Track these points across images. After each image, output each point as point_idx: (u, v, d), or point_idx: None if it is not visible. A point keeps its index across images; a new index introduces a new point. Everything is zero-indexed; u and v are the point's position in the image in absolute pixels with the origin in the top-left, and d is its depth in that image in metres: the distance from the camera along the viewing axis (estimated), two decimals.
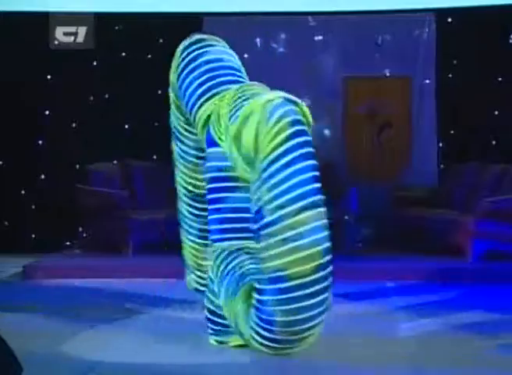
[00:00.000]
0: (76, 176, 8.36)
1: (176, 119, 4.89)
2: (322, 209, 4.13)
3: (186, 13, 8.72)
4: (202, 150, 4.72)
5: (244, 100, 4.42)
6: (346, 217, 8.02)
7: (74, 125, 8.84)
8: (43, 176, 8.81)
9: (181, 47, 4.91)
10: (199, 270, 4.92)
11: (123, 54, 8.88)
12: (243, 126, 4.25)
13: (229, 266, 4.40)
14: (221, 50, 4.88)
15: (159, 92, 8.88)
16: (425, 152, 8.89)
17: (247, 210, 4.38)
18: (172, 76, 4.89)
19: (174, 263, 7.20)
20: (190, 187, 4.85)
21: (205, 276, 4.80)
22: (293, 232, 4.02)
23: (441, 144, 8.89)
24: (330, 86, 8.97)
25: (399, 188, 8.65)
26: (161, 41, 8.86)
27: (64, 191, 8.37)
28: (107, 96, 8.85)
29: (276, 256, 4.05)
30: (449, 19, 8.77)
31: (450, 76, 8.80)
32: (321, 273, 4.06)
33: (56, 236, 8.44)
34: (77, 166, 8.64)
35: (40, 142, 8.84)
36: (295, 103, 4.33)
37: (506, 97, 8.59)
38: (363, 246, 7.98)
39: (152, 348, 4.59)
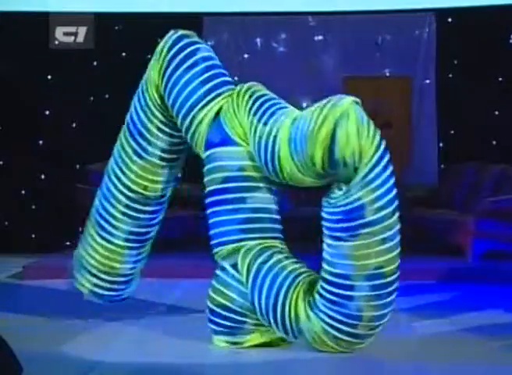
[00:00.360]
0: (76, 176, 8.36)
1: (146, 118, 4.86)
2: None
3: (186, 13, 8.72)
4: (169, 151, 4.78)
5: (268, 100, 4.62)
6: None
7: (74, 125, 8.84)
8: (43, 176, 8.81)
9: (167, 43, 4.85)
10: (106, 273, 4.92)
11: (123, 54, 8.88)
12: (336, 129, 4.29)
13: (268, 263, 4.43)
14: (207, 47, 4.88)
15: None
16: (425, 152, 8.89)
17: (267, 210, 4.51)
18: (155, 74, 4.83)
19: (174, 263, 7.24)
20: (135, 187, 4.83)
21: (114, 279, 4.86)
22: (391, 232, 4.32)
23: (441, 144, 8.89)
24: (330, 86, 8.96)
25: (399, 188, 8.62)
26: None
27: (64, 191, 8.37)
28: (107, 96, 8.85)
29: (377, 254, 4.26)
30: (450, 19, 8.77)
31: (450, 76, 8.80)
32: (399, 272, 4.37)
33: (56, 236, 8.44)
34: (77, 166, 8.64)
35: (40, 142, 8.84)
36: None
37: (507, 97, 8.59)
38: None
39: (152, 348, 4.59)
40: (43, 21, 8.51)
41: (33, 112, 8.74)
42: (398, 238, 4.37)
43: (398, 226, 4.38)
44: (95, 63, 8.81)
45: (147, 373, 4.21)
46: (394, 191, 4.40)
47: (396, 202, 4.41)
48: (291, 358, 4.43)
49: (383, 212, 4.29)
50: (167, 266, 7.10)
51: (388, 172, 4.38)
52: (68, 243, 8.61)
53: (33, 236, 8.75)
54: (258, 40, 9.04)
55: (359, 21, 8.86)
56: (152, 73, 4.82)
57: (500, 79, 8.68)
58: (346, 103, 4.36)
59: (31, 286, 6.77)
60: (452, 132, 8.83)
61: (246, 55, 9.04)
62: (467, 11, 8.57)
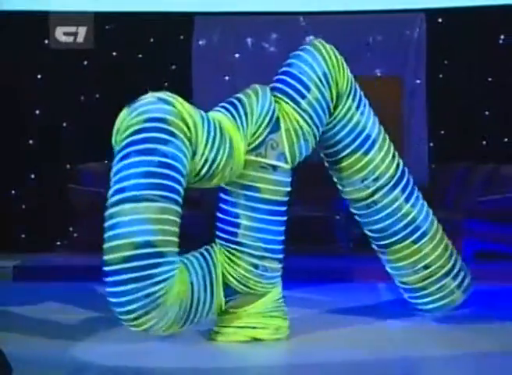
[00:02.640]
0: (67, 176, 8.34)
1: None
2: (151, 204, 4.14)
3: (177, 13, 8.71)
4: None
5: None
6: (337, 217, 8.03)
7: (65, 124, 8.81)
8: (33, 176, 8.78)
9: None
10: None
11: (114, 53, 8.86)
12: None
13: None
14: None
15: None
16: (416, 152, 8.90)
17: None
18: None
19: None
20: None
21: None
22: (111, 222, 4.19)
23: (432, 144, 8.91)
24: None
25: None
26: (152, 40, 8.86)
27: (55, 191, 8.35)
28: (98, 95, 8.83)
29: (103, 242, 4.26)
30: (440, 20, 8.79)
31: (441, 76, 8.83)
32: (132, 264, 4.13)
33: (46, 236, 8.42)
34: (68, 166, 8.62)
35: (30, 141, 8.81)
36: (169, 103, 4.42)
37: (497, 97, 8.62)
38: (354, 246, 7.98)
39: (146, 348, 4.58)
40: (40, 20, 8.49)
41: (23, 112, 8.71)
42: (125, 229, 4.17)
43: (124, 218, 4.17)
44: (86, 63, 8.79)
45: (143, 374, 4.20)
46: (125, 183, 4.23)
47: (127, 194, 4.20)
48: (288, 357, 4.44)
49: (107, 202, 4.28)
50: None
51: (122, 164, 4.31)
52: (58, 243, 8.59)
53: (23, 236, 8.72)
54: (249, 40, 9.04)
55: (350, 21, 8.86)
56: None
57: (490, 79, 8.71)
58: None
59: (22, 286, 6.75)
60: (442, 132, 8.85)
61: (237, 55, 9.04)
62: (458, 11, 8.59)
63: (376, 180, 5.04)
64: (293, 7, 8.87)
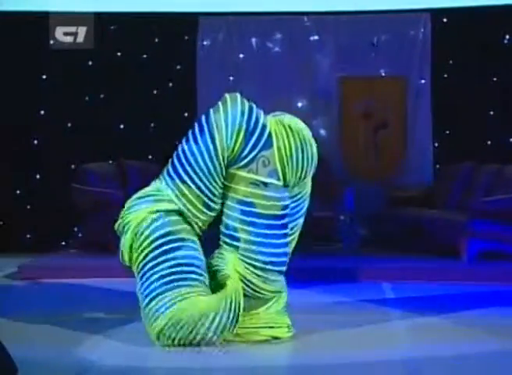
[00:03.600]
0: (72, 176, 8.35)
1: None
2: None
3: (181, 13, 8.72)
4: None
5: None
6: (341, 217, 8.03)
7: (69, 125, 8.83)
8: (38, 176, 8.80)
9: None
10: None
11: (119, 54, 8.87)
12: None
13: None
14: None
15: (155, 92, 8.90)
16: (421, 152, 8.90)
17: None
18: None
19: None
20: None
21: None
22: None
23: (436, 144, 8.91)
24: (325, 86, 8.97)
25: (394, 188, 8.66)
26: (157, 40, 8.87)
27: (59, 191, 8.36)
28: (102, 95, 8.84)
29: None
30: (445, 19, 8.79)
31: (446, 76, 8.82)
32: None
33: (51, 236, 8.43)
34: (72, 166, 8.63)
35: (35, 142, 8.83)
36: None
37: (501, 97, 8.60)
38: (358, 246, 7.98)
39: (150, 348, 4.58)
40: (41, 20, 8.50)
41: (28, 112, 8.73)
42: None
43: None
44: (90, 63, 8.80)
45: (144, 374, 4.21)
46: None
47: None
48: (290, 359, 4.44)
49: None
50: None
51: None
52: (63, 243, 8.61)
53: (29, 236, 8.74)
54: (254, 40, 9.04)
55: (354, 21, 8.86)
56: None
57: (495, 79, 8.70)
58: None
59: (26, 286, 6.76)
60: (447, 132, 8.84)
61: (241, 55, 9.04)
62: (462, 11, 8.58)
63: None
64: (298, 7, 8.86)
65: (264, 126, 4.69)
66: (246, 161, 4.63)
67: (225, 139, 4.61)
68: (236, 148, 4.62)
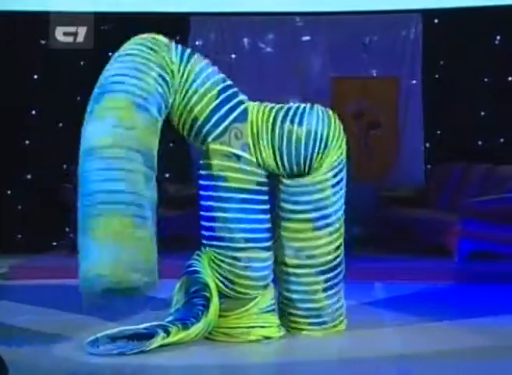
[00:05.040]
0: (64, 176, 8.33)
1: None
2: None
3: (173, 13, 8.72)
4: None
5: None
6: None
7: (61, 125, 8.81)
8: (29, 176, 8.78)
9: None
10: None
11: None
12: None
13: None
14: None
15: None
16: (412, 152, 8.92)
17: None
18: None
19: (162, 262, 7.23)
20: None
21: None
22: None
23: (427, 145, 8.93)
24: (317, 86, 8.99)
25: (386, 188, 8.68)
26: None
27: (51, 191, 8.34)
28: None
29: None
30: (436, 20, 8.81)
31: (437, 76, 8.84)
32: None
33: (42, 236, 8.41)
34: (64, 166, 8.61)
35: (26, 142, 8.81)
36: None
37: (492, 98, 8.63)
38: (352, 245, 7.98)
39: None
40: (37, 20, 8.49)
41: (19, 112, 8.70)
42: None
43: None
44: (82, 63, 8.79)
45: (135, 373, 4.21)
46: None
47: None
48: (286, 357, 4.44)
49: None
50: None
51: None
52: (54, 243, 8.59)
53: (20, 236, 8.72)
54: (245, 40, 9.05)
55: (346, 22, 8.88)
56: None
57: (486, 79, 8.72)
58: None
59: (17, 286, 6.75)
60: (438, 132, 8.87)
61: (233, 56, 9.05)
62: (453, 12, 8.61)
63: (310, 257, 4.73)
64: (290, 7, 8.87)
65: (241, 101, 4.72)
66: (218, 131, 4.63)
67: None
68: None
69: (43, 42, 8.64)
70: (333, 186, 4.77)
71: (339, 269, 4.85)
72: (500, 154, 8.45)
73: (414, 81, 8.94)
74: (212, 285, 4.61)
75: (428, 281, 6.77)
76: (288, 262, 4.76)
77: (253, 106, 4.77)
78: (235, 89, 4.78)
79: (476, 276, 6.92)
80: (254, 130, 4.67)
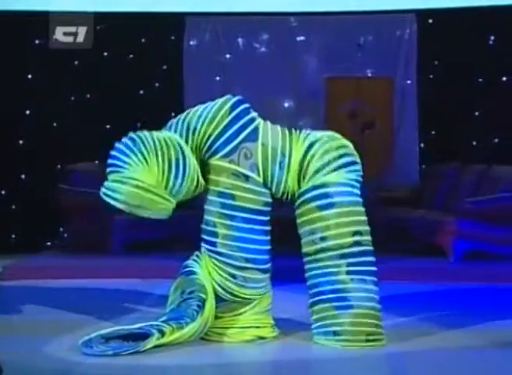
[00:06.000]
0: (58, 176, 8.31)
1: None
2: None
3: (168, 13, 8.71)
4: None
5: None
6: None
7: (55, 124, 8.79)
8: (23, 176, 8.75)
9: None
10: None
11: (105, 53, 8.85)
12: None
13: None
14: None
15: (141, 92, 8.88)
16: (407, 153, 8.93)
17: None
18: None
19: (156, 263, 7.23)
20: None
21: None
22: None
23: (422, 145, 8.93)
24: (312, 86, 8.99)
25: (380, 188, 8.68)
26: (143, 40, 8.85)
27: (45, 191, 8.32)
28: (88, 95, 8.81)
29: None
30: (430, 20, 8.82)
31: (431, 76, 8.85)
32: None
33: (37, 236, 8.39)
34: (58, 166, 8.59)
35: (20, 142, 8.78)
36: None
37: (487, 98, 8.64)
38: None
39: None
40: (32, 20, 8.47)
41: (13, 112, 8.68)
42: None
43: None
44: (76, 63, 8.77)
45: (129, 373, 4.20)
46: None
47: None
48: (283, 357, 4.44)
49: None
50: (152, 266, 7.10)
51: None
52: (49, 243, 8.57)
53: (14, 236, 8.69)
54: (240, 40, 9.05)
55: (341, 22, 8.89)
56: None
57: (480, 80, 8.74)
58: None
59: (11, 286, 6.72)
60: (433, 132, 8.88)
61: (228, 55, 9.04)
62: (448, 12, 8.62)
63: (323, 239, 4.63)
64: (284, 7, 8.87)
65: (252, 119, 4.70)
66: (227, 149, 4.62)
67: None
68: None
69: (37, 42, 8.62)
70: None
71: (363, 258, 4.67)
72: (495, 154, 8.46)
73: (409, 81, 8.95)
74: (208, 287, 4.60)
75: (423, 281, 6.77)
76: (307, 250, 4.67)
77: (264, 125, 4.74)
78: (246, 105, 4.75)
79: (471, 276, 6.92)
80: (266, 152, 4.64)
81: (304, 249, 4.70)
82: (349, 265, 4.61)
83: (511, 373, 4.23)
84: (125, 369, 4.22)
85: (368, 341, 4.53)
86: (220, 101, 4.71)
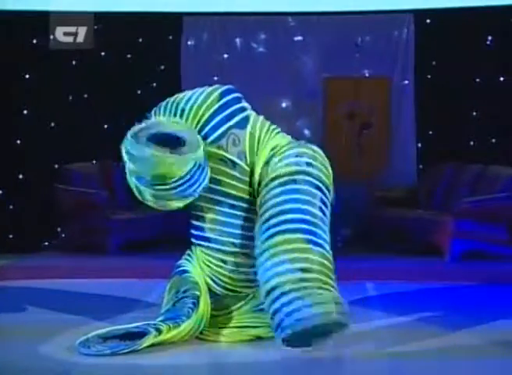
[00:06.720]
0: (55, 176, 8.31)
1: None
2: None
3: (165, 13, 8.70)
4: None
5: None
6: None
7: (52, 124, 8.78)
8: (21, 176, 8.75)
9: None
10: None
11: (103, 53, 8.84)
12: None
13: None
14: None
15: (139, 92, 8.88)
16: (404, 153, 8.93)
17: None
18: None
19: (153, 263, 7.23)
20: None
21: None
22: None
23: (420, 145, 8.94)
24: (310, 86, 8.99)
25: (378, 188, 8.68)
26: (140, 40, 8.85)
27: (43, 191, 8.32)
28: (86, 95, 8.81)
29: None
30: (428, 20, 8.82)
31: (429, 77, 8.85)
32: None
33: (34, 236, 8.39)
34: (56, 166, 8.59)
35: (18, 142, 8.78)
36: None
37: (484, 98, 8.65)
38: (342, 246, 7.99)
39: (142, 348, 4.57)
40: (31, 20, 8.46)
41: (10, 112, 8.67)
42: None
43: None
44: (74, 62, 8.77)
45: (127, 373, 4.20)
46: None
47: None
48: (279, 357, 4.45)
49: None
50: (147, 266, 7.10)
51: None
52: (46, 243, 8.56)
53: (11, 236, 8.68)
54: (238, 40, 9.04)
55: (338, 22, 8.88)
56: None
57: (478, 80, 8.74)
58: None
59: (6, 286, 6.72)
60: (430, 132, 8.88)
61: (225, 55, 9.04)
62: (445, 12, 8.62)
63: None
64: (282, 7, 8.87)
65: (242, 108, 4.72)
66: (216, 135, 4.63)
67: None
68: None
69: (35, 41, 8.62)
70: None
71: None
72: (492, 154, 8.46)
73: (407, 81, 8.95)
74: (202, 283, 4.61)
75: (420, 281, 6.77)
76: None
77: (255, 117, 4.75)
78: (238, 94, 4.77)
79: (468, 275, 6.93)
80: (254, 141, 4.66)
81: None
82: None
83: (506, 373, 4.24)
84: (122, 369, 4.23)
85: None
86: (210, 88, 4.73)
